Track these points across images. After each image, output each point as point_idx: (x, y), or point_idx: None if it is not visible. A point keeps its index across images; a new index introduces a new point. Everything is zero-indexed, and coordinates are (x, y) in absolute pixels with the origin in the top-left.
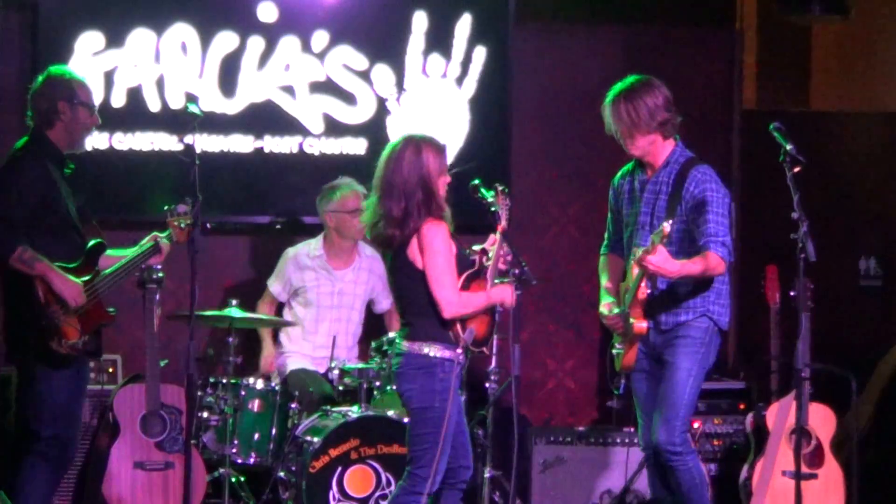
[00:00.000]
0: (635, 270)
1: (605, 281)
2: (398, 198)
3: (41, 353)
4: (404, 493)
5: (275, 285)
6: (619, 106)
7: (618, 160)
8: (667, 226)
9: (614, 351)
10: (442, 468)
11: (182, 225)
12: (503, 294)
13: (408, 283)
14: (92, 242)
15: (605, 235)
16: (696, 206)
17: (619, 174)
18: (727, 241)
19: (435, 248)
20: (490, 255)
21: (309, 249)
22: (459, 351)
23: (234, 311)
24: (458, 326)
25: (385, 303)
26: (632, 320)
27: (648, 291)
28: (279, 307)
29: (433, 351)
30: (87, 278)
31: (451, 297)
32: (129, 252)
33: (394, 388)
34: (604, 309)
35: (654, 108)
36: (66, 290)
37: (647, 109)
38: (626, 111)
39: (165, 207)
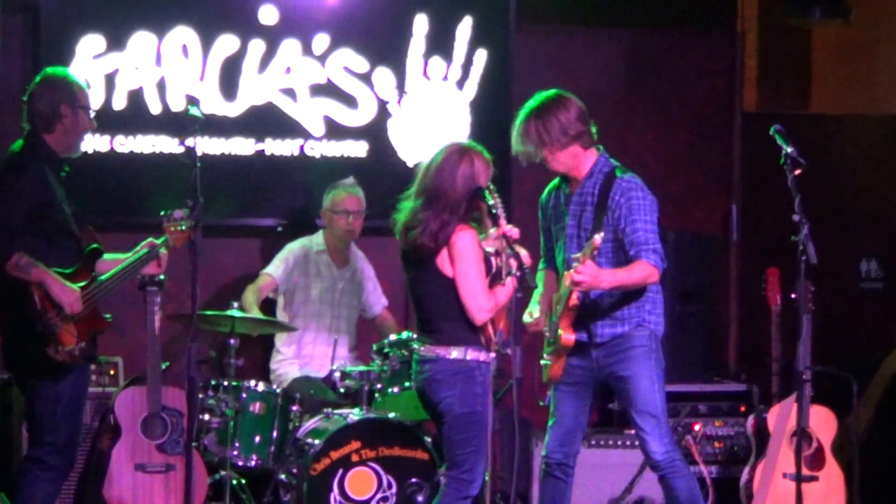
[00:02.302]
0: (566, 283)
1: (537, 292)
2: (443, 208)
3: (39, 359)
4: (452, 499)
5: (278, 272)
6: (528, 126)
7: None
8: (597, 238)
9: (542, 362)
10: (482, 471)
11: (183, 227)
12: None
13: (436, 290)
14: (89, 248)
15: (541, 253)
16: (624, 216)
17: (545, 192)
18: (658, 248)
19: (466, 255)
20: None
21: (312, 244)
22: (493, 354)
23: (235, 314)
24: (490, 329)
25: (377, 307)
26: (560, 332)
27: (579, 301)
28: (270, 307)
29: (469, 354)
30: (83, 284)
31: (484, 303)
32: (125, 258)
33: (396, 390)
34: (525, 316)
35: (566, 122)
36: (64, 296)
37: (558, 125)
38: (535, 129)
39: (162, 213)
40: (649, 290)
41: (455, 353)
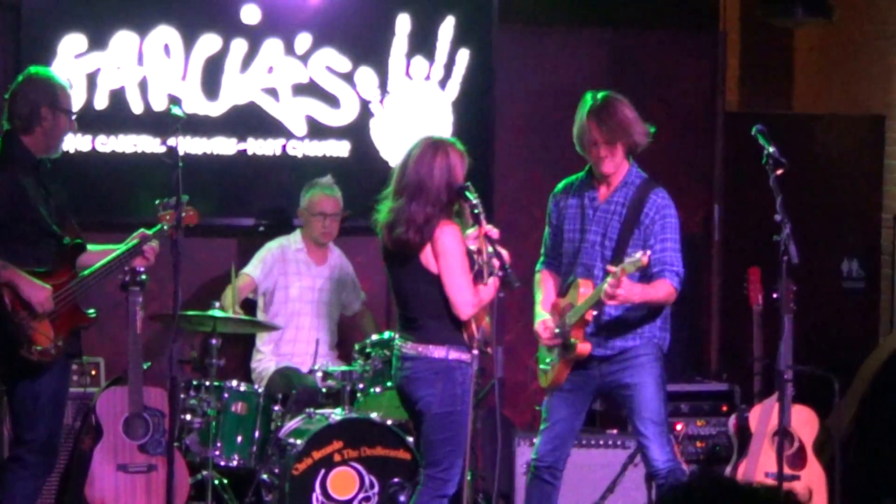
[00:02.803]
0: (581, 290)
1: (540, 297)
2: (426, 202)
3: (15, 360)
4: (428, 498)
5: (256, 272)
6: (600, 121)
7: None
8: (644, 258)
9: (541, 367)
10: (459, 470)
11: (183, 214)
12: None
13: (420, 287)
14: (69, 243)
15: (542, 251)
16: (655, 233)
17: (560, 187)
18: (681, 272)
19: (451, 250)
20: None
21: (290, 242)
22: (475, 352)
23: (217, 314)
24: (473, 326)
25: (356, 305)
26: (573, 341)
27: (595, 313)
28: (250, 307)
29: (451, 354)
30: (62, 281)
31: (468, 298)
32: (113, 248)
33: (378, 390)
34: (539, 327)
35: (634, 118)
36: (33, 295)
37: (627, 121)
38: (608, 126)
39: (157, 202)
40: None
41: (437, 352)
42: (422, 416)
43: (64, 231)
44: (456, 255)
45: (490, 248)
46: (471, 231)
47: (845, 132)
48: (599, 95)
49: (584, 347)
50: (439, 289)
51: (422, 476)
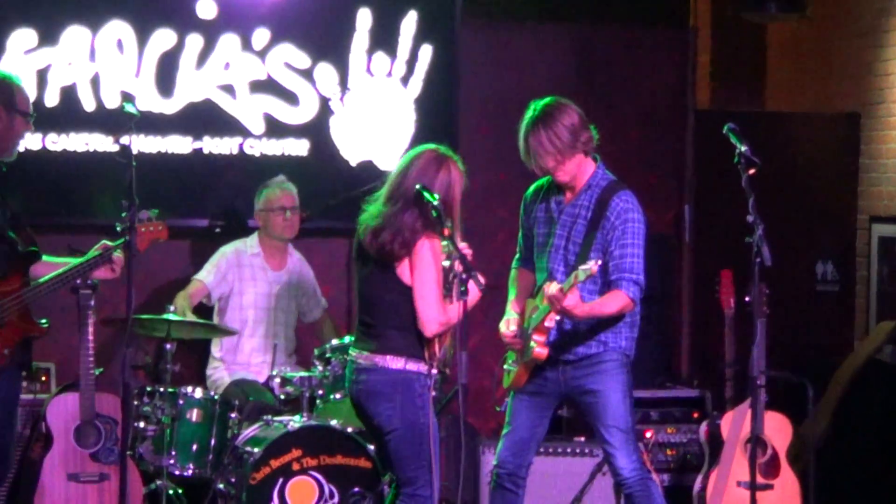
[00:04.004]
0: (544, 300)
1: (512, 296)
2: (419, 215)
3: None
4: None
5: (210, 278)
6: (538, 135)
7: None
8: (594, 266)
9: (505, 367)
10: (437, 482)
11: (153, 228)
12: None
13: (390, 296)
14: (22, 252)
15: (517, 249)
16: (616, 238)
17: (531, 189)
18: (640, 280)
19: (428, 264)
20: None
21: (246, 247)
22: (435, 369)
23: (171, 317)
24: (436, 345)
25: (316, 311)
26: (532, 344)
27: (557, 319)
28: (206, 312)
29: (409, 365)
30: (11, 288)
31: (436, 315)
32: (67, 262)
33: (338, 396)
34: (503, 326)
35: (572, 127)
36: None
37: (567, 131)
38: (547, 139)
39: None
40: (630, 313)
41: (394, 363)
42: (382, 433)
43: (18, 238)
44: (431, 270)
45: (453, 251)
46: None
47: (819, 131)
48: (539, 105)
49: (539, 352)
50: (408, 302)
51: (400, 498)
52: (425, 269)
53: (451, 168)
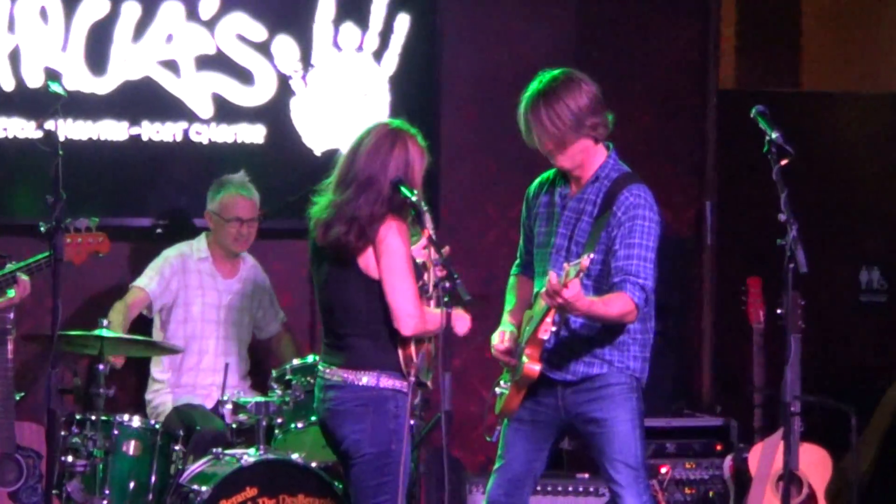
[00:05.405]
0: (542, 302)
1: (509, 306)
2: (375, 199)
3: None
4: None
5: (152, 285)
6: (539, 113)
7: None
8: (586, 260)
9: (498, 389)
10: None
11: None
12: (461, 319)
13: (354, 296)
14: None
15: (518, 254)
16: (621, 237)
17: (535, 184)
18: (647, 285)
19: (395, 250)
20: (428, 263)
21: (192, 250)
22: (412, 380)
23: (105, 333)
24: (412, 348)
25: (273, 326)
26: (524, 360)
27: (554, 329)
28: (145, 326)
29: (382, 381)
30: None
31: (412, 309)
32: None
33: (300, 426)
34: (496, 338)
35: (578, 109)
36: None
37: (570, 112)
38: (548, 118)
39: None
40: (640, 328)
41: (365, 379)
42: (349, 459)
43: None
44: (401, 257)
45: (434, 254)
46: (416, 245)
47: (864, 113)
48: (546, 78)
49: (531, 368)
50: (377, 300)
51: None
52: (393, 256)
53: (409, 144)
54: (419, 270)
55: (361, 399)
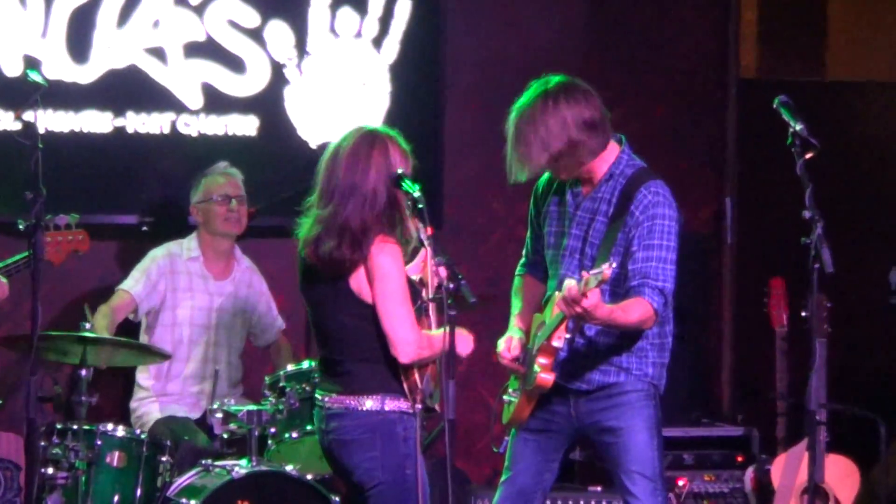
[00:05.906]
0: (556, 309)
1: (516, 309)
2: (361, 205)
3: None
4: None
5: (138, 287)
6: (527, 122)
7: None
8: (608, 270)
9: (505, 398)
10: None
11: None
12: (463, 339)
13: (349, 320)
14: None
15: (524, 252)
16: (640, 237)
17: (544, 177)
18: (667, 288)
19: (389, 273)
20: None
21: (181, 249)
22: (419, 405)
23: (88, 335)
24: (416, 375)
25: (270, 334)
26: (536, 368)
27: (568, 337)
28: (132, 331)
29: (387, 404)
30: None
31: (410, 336)
32: None
33: (295, 436)
34: (502, 345)
35: (568, 122)
36: None
37: (545, 132)
38: (532, 136)
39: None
40: (658, 332)
41: (369, 403)
42: (363, 489)
43: None
44: (395, 280)
45: (436, 255)
46: (412, 264)
47: (892, 104)
48: (538, 89)
49: (544, 378)
50: (372, 324)
51: None
52: (387, 280)
53: (389, 147)
54: (415, 289)
55: (367, 426)
